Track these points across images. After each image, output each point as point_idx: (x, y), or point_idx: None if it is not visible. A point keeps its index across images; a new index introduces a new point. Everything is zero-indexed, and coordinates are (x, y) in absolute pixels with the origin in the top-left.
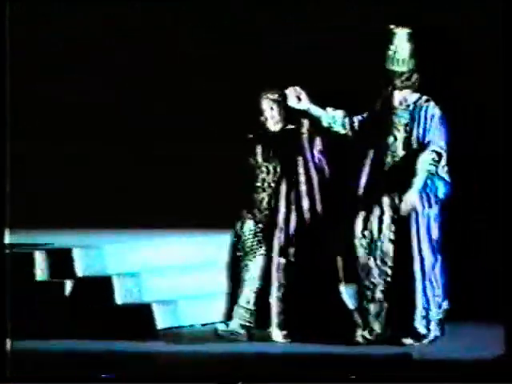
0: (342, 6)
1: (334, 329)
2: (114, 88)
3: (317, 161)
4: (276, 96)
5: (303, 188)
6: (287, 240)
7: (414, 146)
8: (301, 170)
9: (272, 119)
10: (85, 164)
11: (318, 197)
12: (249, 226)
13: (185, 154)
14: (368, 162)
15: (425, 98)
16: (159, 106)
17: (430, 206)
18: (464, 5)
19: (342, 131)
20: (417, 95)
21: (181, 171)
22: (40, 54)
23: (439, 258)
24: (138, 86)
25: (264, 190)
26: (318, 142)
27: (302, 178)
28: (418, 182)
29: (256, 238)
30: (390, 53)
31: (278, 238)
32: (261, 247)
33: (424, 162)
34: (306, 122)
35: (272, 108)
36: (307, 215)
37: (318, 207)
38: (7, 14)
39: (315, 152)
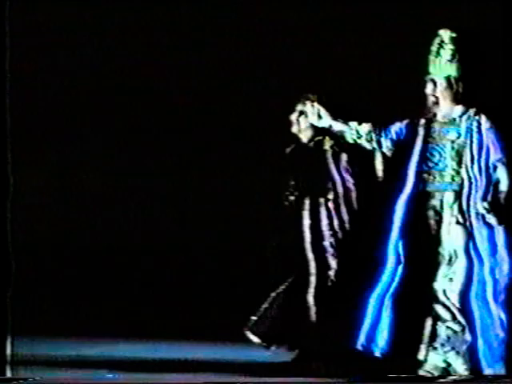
0: (371, 7)
1: None
2: (115, 90)
3: (344, 179)
4: (311, 101)
5: (330, 207)
6: (317, 261)
7: (472, 164)
8: (326, 188)
9: (298, 124)
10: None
11: (346, 217)
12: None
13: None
14: (408, 181)
15: (473, 110)
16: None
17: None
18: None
19: (369, 146)
20: (462, 107)
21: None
22: (40, 53)
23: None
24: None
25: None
26: (344, 160)
27: (330, 197)
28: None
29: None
30: (431, 58)
31: (307, 259)
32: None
33: (503, 180)
34: (328, 138)
35: (302, 113)
36: (338, 235)
37: (347, 228)
38: (7, 14)
39: (342, 170)
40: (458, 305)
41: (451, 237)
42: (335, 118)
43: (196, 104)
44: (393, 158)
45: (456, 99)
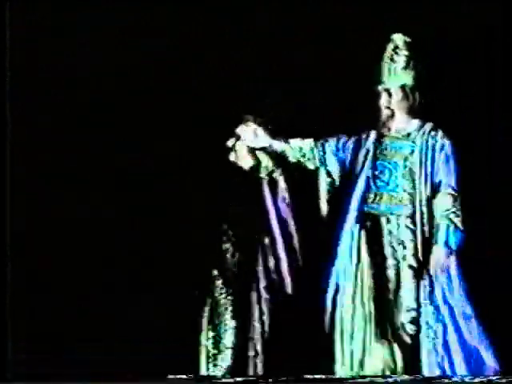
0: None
1: None
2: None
3: (280, 211)
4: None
5: (266, 242)
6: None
7: (421, 185)
8: (262, 223)
9: (236, 151)
10: None
11: (283, 254)
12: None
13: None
14: (354, 202)
15: (429, 125)
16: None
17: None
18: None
19: (311, 166)
20: (417, 121)
21: None
22: (40, 55)
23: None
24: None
25: (229, 239)
26: (281, 188)
27: (263, 234)
28: (442, 233)
29: (225, 294)
30: (385, 65)
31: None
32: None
33: (442, 207)
34: (266, 163)
35: (235, 145)
36: (275, 274)
37: (284, 266)
38: (7, 14)
39: (278, 200)
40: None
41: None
42: (274, 136)
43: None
44: (340, 179)
45: (412, 111)
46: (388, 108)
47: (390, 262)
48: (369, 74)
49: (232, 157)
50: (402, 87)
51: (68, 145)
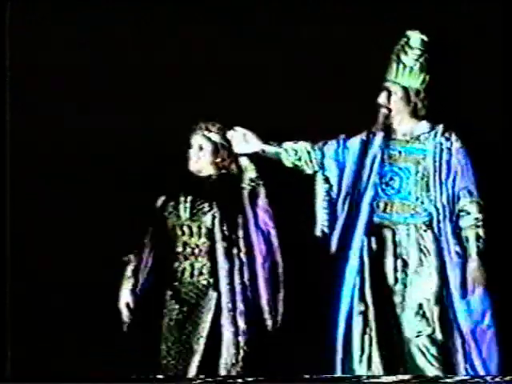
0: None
1: None
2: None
3: (261, 223)
4: (212, 132)
5: (243, 259)
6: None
7: (436, 192)
8: (240, 234)
9: (197, 161)
10: None
11: (261, 272)
12: (170, 305)
13: None
14: (361, 214)
15: (441, 127)
16: None
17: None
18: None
19: (309, 170)
20: (426, 124)
21: None
22: (40, 55)
23: None
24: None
25: (186, 258)
26: (262, 197)
27: (242, 246)
28: (473, 244)
29: (177, 320)
30: (392, 62)
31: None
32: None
33: (470, 217)
34: (249, 170)
35: (202, 147)
36: (251, 294)
37: (262, 285)
38: (7, 14)
39: (259, 211)
40: None
41: (416, 280)
42: (266, 140)
43: None
44: (339, 186)
45: (415, 114)
46: (386, 108)
47: (400, 275)
48: (368, 73)
49: (193, 167)
50: (405, 88)
51: (68, 145)
